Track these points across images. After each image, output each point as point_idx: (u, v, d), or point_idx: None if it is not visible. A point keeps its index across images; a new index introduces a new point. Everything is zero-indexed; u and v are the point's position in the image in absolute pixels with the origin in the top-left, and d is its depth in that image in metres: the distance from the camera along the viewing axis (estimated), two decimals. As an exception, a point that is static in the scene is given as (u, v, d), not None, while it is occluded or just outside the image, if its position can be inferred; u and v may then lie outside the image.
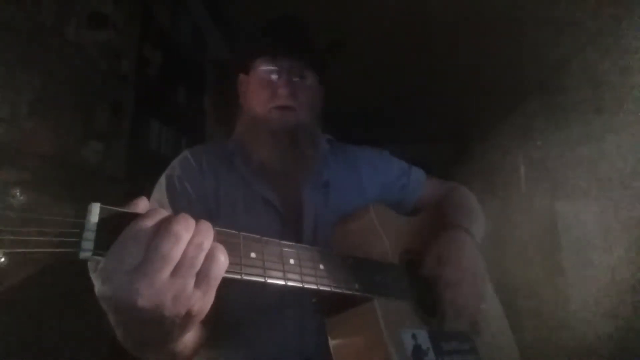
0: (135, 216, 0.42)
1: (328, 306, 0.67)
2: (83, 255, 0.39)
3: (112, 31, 1.64)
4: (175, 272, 0.41)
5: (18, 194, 0.34)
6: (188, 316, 0.44)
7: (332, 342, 0.66)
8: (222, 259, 0.44)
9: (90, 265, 0.43)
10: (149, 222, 0.41)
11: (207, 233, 0.44)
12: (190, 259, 0.42)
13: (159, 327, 0.43)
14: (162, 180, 0.84)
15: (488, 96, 2.64)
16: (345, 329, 0.66)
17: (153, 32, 1.89)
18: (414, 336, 0.66)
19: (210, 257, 0.43)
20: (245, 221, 0.81)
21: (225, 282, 0.45)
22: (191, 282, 0.42)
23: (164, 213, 0.43)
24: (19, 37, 1.25)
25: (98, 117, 1.68)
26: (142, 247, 0.40)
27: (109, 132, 1.70)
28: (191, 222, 0.43)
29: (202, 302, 0.44)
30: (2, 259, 0.34)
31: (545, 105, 2.44)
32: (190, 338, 0.60)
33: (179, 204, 0.79)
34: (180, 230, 0.41)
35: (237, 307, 0.76)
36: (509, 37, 2.09)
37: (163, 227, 0.41)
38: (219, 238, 0.46)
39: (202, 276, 0.43)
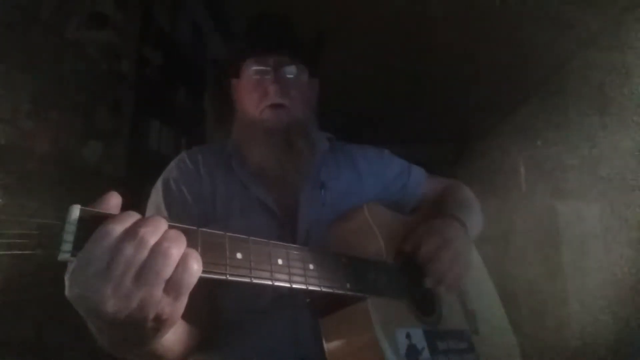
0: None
1: (322, 306, 0.67)
2: (62, 257, 0.39)
3: (112, 31, 1.65)
4: (139, 277, 0.40)
5: (-3, 196, 0.34)
6: (158, 320, 0.43)
7: (326, 343, 0.66)
8: (195, 268, 0.42)
9: (68, 267, 0.43)
10: (118, 225, 0.40)
11: (177, 239, 0.42)
12: (155, 264, 0.40)
13: (129, 329, 0.43)
14: (159, 183, 0.84)
15: (488, 96, 2.63)
16: (338, 329, 0.66)
17: (153, 32, 1.90)
18: (408, 335, 0.66)
19: (182, 264, 0.42)
20: (241, 224, 0.81)
21: (214, 282, 0.45)
22: (159, 288, 0.41)
23: (136, 216, 0.42)
24: (19, 37, 1.25)
25: (98, 117, 1.68)
26: (109, 251, 0.39)
27: (109, 132, 1.70)
28: (161, 226, 0.42)
29: (173, 307, 0.43)
30: None
31: (546, 105, 2.43)
32: (173, 342, 0.60)
33: (175, 207, 0.79)
34: (145, 235, 0.40)
35: (231, 308, 0.77)
36: (509, 37, 2.09)
37: (130, 231, 0.40)
38: (204, 239, 0.45)
39: (172, 283, 0.42)
